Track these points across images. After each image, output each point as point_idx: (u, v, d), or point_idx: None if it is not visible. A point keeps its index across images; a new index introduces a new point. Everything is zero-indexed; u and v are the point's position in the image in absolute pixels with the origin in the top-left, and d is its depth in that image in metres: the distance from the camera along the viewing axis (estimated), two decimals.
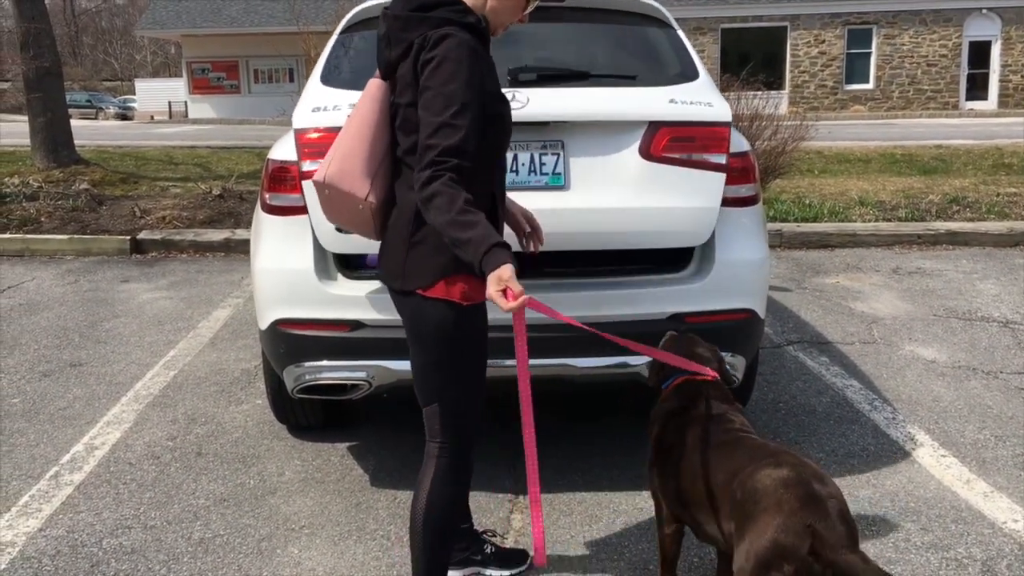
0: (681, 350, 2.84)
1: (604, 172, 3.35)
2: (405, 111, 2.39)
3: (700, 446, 2.49)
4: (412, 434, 4.03)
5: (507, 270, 2.12)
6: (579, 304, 3.40)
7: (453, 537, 2.67)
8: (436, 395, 2.50)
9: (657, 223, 3.36)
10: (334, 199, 2.50)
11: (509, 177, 3.08)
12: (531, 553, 3.01)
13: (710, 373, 2.76)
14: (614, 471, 3.74)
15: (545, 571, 3.02)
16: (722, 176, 3.37)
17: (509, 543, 3.19)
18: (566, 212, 3.29)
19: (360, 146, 2.45)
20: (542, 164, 3.34)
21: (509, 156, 3.19)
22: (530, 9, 2.54)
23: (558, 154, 3.34)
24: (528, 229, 2.92)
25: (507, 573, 2.98)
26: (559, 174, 3.34)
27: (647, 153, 3.34)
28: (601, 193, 3.33)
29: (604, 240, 3.39)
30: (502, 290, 2.13)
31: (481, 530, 3.10)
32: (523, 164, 3.32)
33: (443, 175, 2.20)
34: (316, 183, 2.51)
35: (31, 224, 8.97)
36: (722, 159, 3.37)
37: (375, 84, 2.53)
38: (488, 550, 3.00)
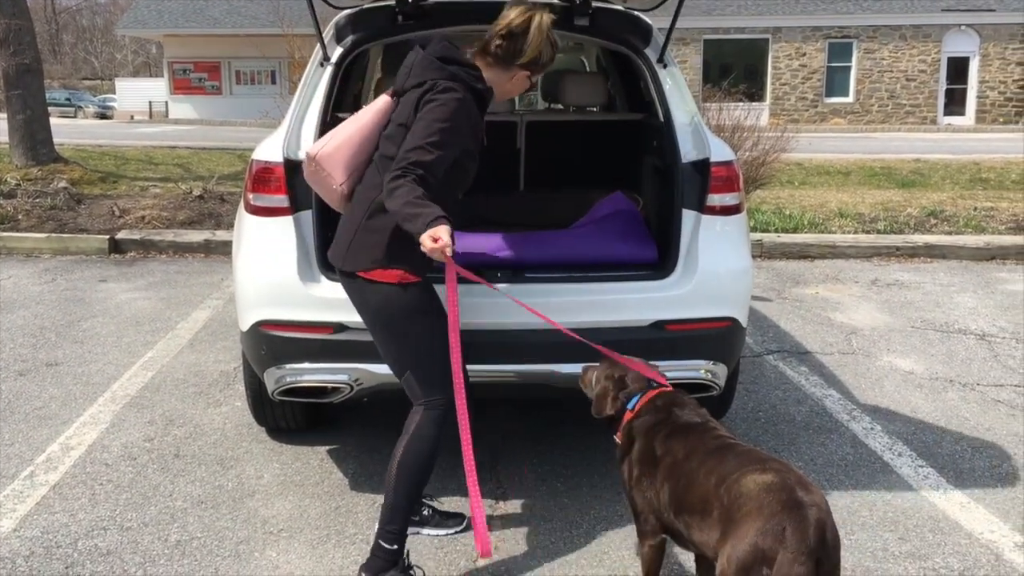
0: (620, 367, 2.87)
1: None
2: (395, 127, 2.83)
3: (693, 453, 2.49)
4: (393, 437, 4.00)
5: (443, 230, 2.48)
6: (561, 310, 3.40)
7: (422, 484, 2.94)
8: (405, 364, 2.86)
9: None
10: (316, 172, 2.93)
11: None
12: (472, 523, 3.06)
13: (662, 379, 2.82)
14: (595, 477, 3.75)
15: None
16: None
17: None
18: None
19: (352, 144, 2.89)
20: None
21: None
22: (529, 88, 3.00)
23: None
24: None
25: (443, 533, 3.26)
26: None
27: None
28: None
29: None
30: (434, 239, 2.48)
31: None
32: None
33: (410, 175, 2.62)
34: (308, 154, 2.92)
35: (8, 222, 8.87)
36: None
37: (383, 100, 2.95)
38: (426, 512, 3.27)
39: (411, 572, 2.92)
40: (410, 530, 3.15)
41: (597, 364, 2.95)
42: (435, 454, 2.92)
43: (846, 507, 3.50)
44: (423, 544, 3.19)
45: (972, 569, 3.09)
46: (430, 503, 3.34)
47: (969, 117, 30.40)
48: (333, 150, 2.88)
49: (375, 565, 2.87)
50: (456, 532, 3.27)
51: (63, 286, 7.09)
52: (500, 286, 3.23)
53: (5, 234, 8.50)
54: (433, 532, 3.26)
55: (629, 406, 2.78)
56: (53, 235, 8.50)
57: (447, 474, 3.67)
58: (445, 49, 2.87)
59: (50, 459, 3.89)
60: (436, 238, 2.47)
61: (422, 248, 2.51)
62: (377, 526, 2.89)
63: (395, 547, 2.85)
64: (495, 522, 3.38)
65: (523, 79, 2.96)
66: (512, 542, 3.24)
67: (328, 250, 2.99)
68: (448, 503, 3.47)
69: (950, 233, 9.06)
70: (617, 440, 2.79)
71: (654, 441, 2.63)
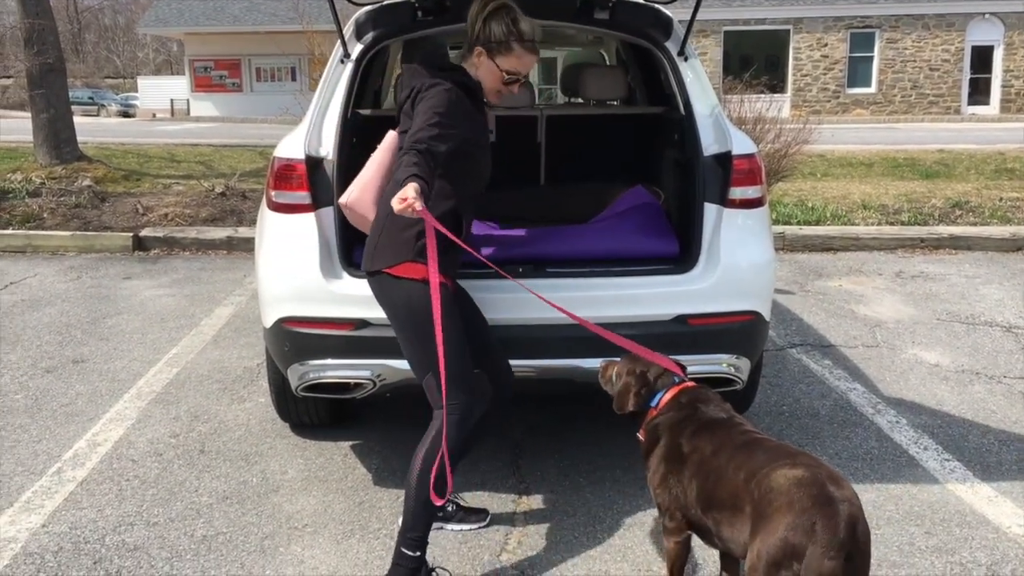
0: (641, 362, 2.84)
1: None
2: (402, 138, 2.93)
3: (721, 449, 2.47)
4: (415, 433, 4.01)
5: (408, 189, 2.51)
6: (583, 304, 3.40)
7: (446, 486, 2.88)
8: (427, 366, 2.83)
9: None
10: (352, 215, 3.14)
11: None
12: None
13: (685, 377, 2.81)
14: (617, 472, 3.74)
15: (549, 574, 3.02)
16: None
17: (512, 544, 3.19)
18: None
19: (375, 185, 3.06)
20: None
21: None
22: (509, 81, 3.03)
23: None
24: None
25: (467, 528, 3.29)
26: None
27: None
28: None
29: None
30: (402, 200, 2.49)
31: None
32: None
33: (412, 151, 2.66)
34: (341, 203, 3.13)
35: (34, 221, 8.97)
36: None
37: (392, 136, 3.12)
38: (450, 508, 3.30)
39: (434, 573, 2.92)
40: (434, 525, 3.17)
41: (617, 359, 2.94)
42: (456, 460, 2.89)
43: (872, 501, 3.47)
44: (446, 539, 3.20)
45: (1000, 563, 3.06)
46: (454, 499, 3.34)
47: (994, 107, 30.07)
48: (360, 193, 3.06)
49: (399, 573, 2.84)
50: (480, 527, 3.28)
51: (88, 283, 7.15)
52: (526, 282, 3.22)
53: (31, 232, 8.59)
54: (457, 527, 3.27)
55: (652, 403, 2.76)
56: (78, 233, 8.58)
57: (468, 468, 3.67)
58: (428, 57, 3.07)
59: (77, 455, 3.93)
60: (403, 199, 2.47)
61: (395, 211, 2.52)
62: (398, 533, 2.87)
63: (418, 553, 2.84)
64: (518, 517, 3.39)
65: (487, 64, 3.00)
66: (535, 537, 3.24)
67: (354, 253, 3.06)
68: (471, 498, 3.48)
69: (975, 224, 8.97)
70: (640, 438, 2.78)
71: (680, 438, 2.61)
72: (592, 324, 2.90)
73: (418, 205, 2.48)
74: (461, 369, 2.85)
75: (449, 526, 3.27)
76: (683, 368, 2.85)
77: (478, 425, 2.98)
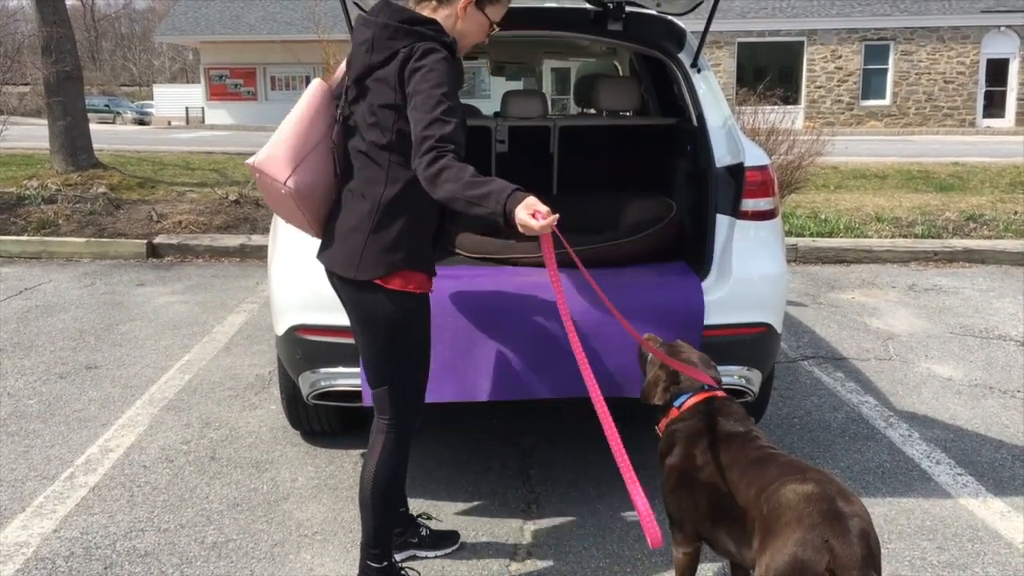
0: (678, 359, 2.81)
1: None
2: (380, 112, 2.56)
3: (734, 464, 2.46)
4: (425, 442, 4.02)
5: (532, 198, 2.28)
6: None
7: (397, 502, 2.94)
8: (387, 379, 2.74)
9: None
10: (264, 185, 2.67)
11: None
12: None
13: (716, 386, 2.76)
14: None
15: None
16: None
17: (522, 555, 3.19)
18: None
19: (289, 137, 2.63)
20: None
21: None
22: (493, 32, 2.73)
23: None
24: None
25: (439, 553, 3.17)
26: None
27: None
28: None
29: None
30: (531, 214, 2.26)
31: (416, 514, 3.25)
32: None
33: (446, 155, 2.36)
34: (248, 165, 2.68)
35: (49, 227, 9.03)
36: None
37: (317, 84, 2.74)
38: (423, 532, 3.20)
39: (403, 573, 2.91)
40: (406, 553, 3.11)
41: (661, 340, 2.91)
42: (404, 472, 2.92)
43: (883, 515, 3.46)
44: (457, 550, 3.19)
45: None
46: (425, 522, 3.24)
47: (1009, 119, 29.93)
48: (270, 148, 2.63)
49: None
50: (452, 550, 3.18)
51: (102, 290, 7.19)
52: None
53: (46, 239, 8.66)
54: (430, 554, 3.15)
55: (676, 403, 2.75)
56: (92, 240, 8.64)
57: (478, 478, 3.67)
58: (402, 11, 2.59)
59: (89, 461, 3.95)
60: (535, 213, 2.25)
61: (521, 229, 2.26)
62: (361, 549, 2.84)
63: (384, 563, 2.83)
64: (527, 527, 3.38)
65: (476, 17, 2.66)
66: (545, 547, 3.23)
67: (322, 256, 2.76)
68: (480, 509, 3.47)
69: (989, 237, 8.93)
70: (659, 432, 2.77)
71: (695, 449, 2.59)
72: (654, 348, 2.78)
73: (554, 216, 2.29)
74: (417, 390, 2.82)
75: (421, 553, 3.14)
76: (717, 381, 2.81)
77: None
